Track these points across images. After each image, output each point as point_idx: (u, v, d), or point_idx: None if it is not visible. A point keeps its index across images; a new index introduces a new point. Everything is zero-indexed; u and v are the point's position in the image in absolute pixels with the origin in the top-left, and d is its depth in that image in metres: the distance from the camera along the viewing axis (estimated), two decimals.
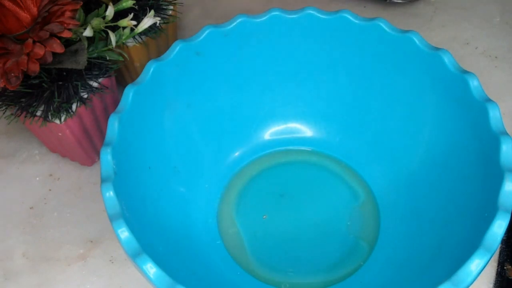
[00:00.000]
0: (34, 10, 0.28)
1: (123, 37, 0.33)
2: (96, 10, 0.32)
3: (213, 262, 0.32)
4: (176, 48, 0.32)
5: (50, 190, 0.38)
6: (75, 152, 0.37)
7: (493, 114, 0.28)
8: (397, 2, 0.47)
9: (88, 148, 0.36)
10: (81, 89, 0.32)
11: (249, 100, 0.37)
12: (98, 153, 0.38)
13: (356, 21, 0.33)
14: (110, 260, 0.34)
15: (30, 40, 0.27)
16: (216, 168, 0.36)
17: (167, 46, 0.39)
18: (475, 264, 0.23)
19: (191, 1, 0.48)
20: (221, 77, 0.35)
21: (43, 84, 0.31)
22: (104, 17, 0.32)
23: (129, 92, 0.30)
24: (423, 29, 0.45)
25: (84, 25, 0.31)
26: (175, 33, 0.42)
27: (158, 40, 0.39)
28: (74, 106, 0.32)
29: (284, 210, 0.35)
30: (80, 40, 0.31)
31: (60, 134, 0.34)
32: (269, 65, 0.36)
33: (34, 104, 0.31)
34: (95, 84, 0.33)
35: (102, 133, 0.36)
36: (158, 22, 0.34)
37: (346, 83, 0.36)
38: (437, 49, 0.31)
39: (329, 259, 0.32)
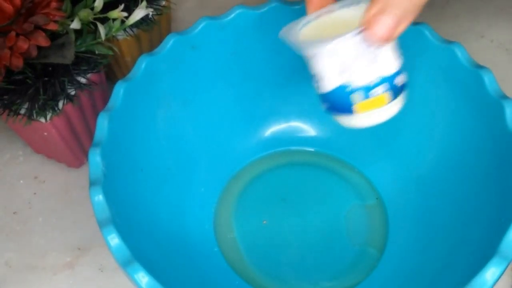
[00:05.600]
0: (18, 0, 0.28)
1: (113, 30, 0.33)
2: (84, 0, 0.32)
3: (210, 270, 0.32)
4: (170, 41, 0.32)
5: (35, 193, 0.37)
6: (62, 153, 0.37)
7: (510, 111, 0.28)
8: None
9: (76, 148, 0.36)
10: (68, 85, 0.32)
11: (247, 97, 0.37)
12: (86, 154, 0.38)
13: None
14: (100, 269, 0.34)
15: (13, 33, 0.27)
16: (212, 170, 0.36)
17: (160, 40, 0.39)
18: (490, 272, 0.23)
19: None
20: (218, 72, 0.35)
21: (27, 80, 0.31)
22: (92, 8, 0.32)
23: (120, 89, 0.30)
24: (434, 20, 0.45)
25: (71, 16, 0.31)
26: (169, 26, 0.42)
27: (151, 33, 0.39)
28: (60, 104, 0.32)
29: (285, 215, 0.35)
30: (67, 33, 0.31)
31: (45, 133, 0.33)
32: (269, 60, 0.36)
33: (17, 102, 0.31)
34: (83, 80, 0.33)
35: (90, 132, 0.36)
36: (150, 13, 0.34)
37: None
38: (450, 42, 0.31)
39: (334, 267, 0.32)
